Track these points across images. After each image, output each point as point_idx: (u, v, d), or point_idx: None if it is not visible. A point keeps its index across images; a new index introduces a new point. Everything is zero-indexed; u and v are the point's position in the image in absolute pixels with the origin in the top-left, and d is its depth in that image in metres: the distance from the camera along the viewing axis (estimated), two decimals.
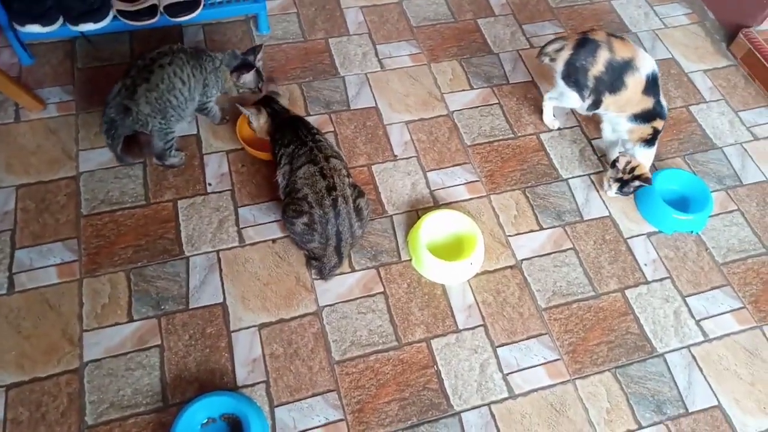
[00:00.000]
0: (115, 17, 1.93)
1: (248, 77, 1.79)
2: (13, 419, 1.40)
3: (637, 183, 1.77)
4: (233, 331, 1.57)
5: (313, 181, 1.54)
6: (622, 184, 1.79)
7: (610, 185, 1.83)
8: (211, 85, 1.78)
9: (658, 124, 1.78)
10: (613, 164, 1.80)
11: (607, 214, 1.89)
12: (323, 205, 1.53)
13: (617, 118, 1.83)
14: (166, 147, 1.75)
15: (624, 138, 1.85)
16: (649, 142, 1.80)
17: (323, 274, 1.66)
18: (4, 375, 1.46)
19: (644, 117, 1.77)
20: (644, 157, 1.81)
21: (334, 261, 1.63)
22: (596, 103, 1.83)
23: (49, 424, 1.40)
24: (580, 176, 1.96)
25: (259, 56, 1.81)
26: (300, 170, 1.57)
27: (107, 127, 1.65)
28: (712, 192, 1.91)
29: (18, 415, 1.41)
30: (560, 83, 1.87)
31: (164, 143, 1.74)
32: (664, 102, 1.79)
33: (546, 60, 1.90)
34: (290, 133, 1.64)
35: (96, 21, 1.89)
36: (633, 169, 1.76)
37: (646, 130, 1.78)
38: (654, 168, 1.94)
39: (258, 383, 1.50)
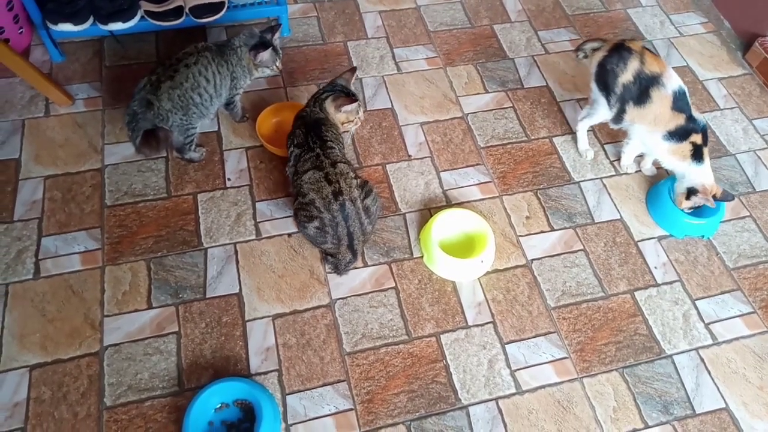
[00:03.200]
0: (142, 18, 2.01)
1: (265, 55, 1.79)
2: (36, 398, 1.46)
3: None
4: (248, 321, 1.62)
5: (319, 187, 1.57)
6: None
7: (686, 206, 1.83)
8: (239, 77, 1.82)
9: (696, 138, 1.75)
10: (689, 196, 1.79)
11: (618, 217, 1.90)
12: (331, 210, 1.56)
13: (650, 136, 1.80)
14: (186, 142, 1.81)
15: (666, 159, 1.82)
16: (695, 157, 1.76)
17: (339, 270, 1.70)
18: (29, 356, 1.52)
19: (679, 134, 1.75)
20: (703, 175, 1.77)
21: (349, 258, 1.67)
22: (620, 114, 1.83)
23: (69, 404, 1.46)
24: (592, 179, 1.98)
25: (276, 35, 1.81)
26: (305, 175, 1.59)
27: (129, 119, 1.72)
28: None
29: (41, 394, 1.47)
30: (593, 88, 1.87)
31: (184, 138, 1.79)
32: (698, 116, 1.76)
33: (581, 56, 1.92)
34: (302, 135, 1.65)
35: (124, 21, 1.97)
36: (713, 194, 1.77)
37: (686, 147, 1.76)
38: (666, 173, 1.95)
39: (271, 371, 1.54)
